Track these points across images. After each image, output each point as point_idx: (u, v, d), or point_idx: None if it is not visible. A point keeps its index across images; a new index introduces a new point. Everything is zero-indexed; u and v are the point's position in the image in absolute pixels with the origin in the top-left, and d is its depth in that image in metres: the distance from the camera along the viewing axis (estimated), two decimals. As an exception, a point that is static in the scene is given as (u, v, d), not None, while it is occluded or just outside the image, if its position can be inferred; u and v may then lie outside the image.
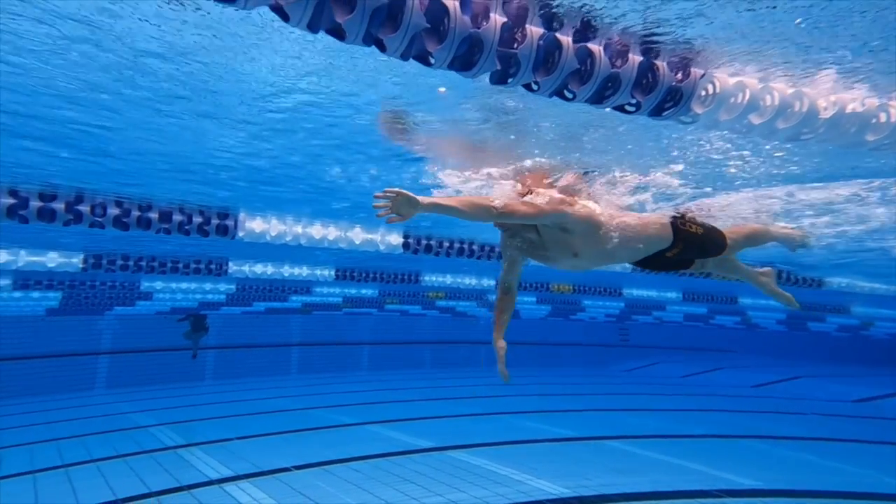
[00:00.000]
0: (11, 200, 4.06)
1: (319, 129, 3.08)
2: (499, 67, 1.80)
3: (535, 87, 1.98)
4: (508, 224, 2.65)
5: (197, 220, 4.93)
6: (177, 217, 4.83)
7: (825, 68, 2.14)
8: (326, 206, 5.00)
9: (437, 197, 2.31)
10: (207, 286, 11.03)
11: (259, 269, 8.52)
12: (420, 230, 6.07)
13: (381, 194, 2.12)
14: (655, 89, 2.05)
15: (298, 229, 5.54)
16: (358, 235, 5.79)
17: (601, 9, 1.81)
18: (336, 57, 2.22)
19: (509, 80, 1.89)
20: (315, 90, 2.58)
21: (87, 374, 16.21)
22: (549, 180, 3.24)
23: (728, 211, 3.83)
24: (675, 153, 3.04)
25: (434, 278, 10.13)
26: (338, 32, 1.57)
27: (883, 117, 2.32)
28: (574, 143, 2.99)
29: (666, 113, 2.17)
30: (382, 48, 1.67)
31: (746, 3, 1.76)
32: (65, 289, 9.52)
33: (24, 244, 6.61)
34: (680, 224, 2.91)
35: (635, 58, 2.01)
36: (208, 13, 1.94)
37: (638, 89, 2.05)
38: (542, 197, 2.66)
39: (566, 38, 1.87)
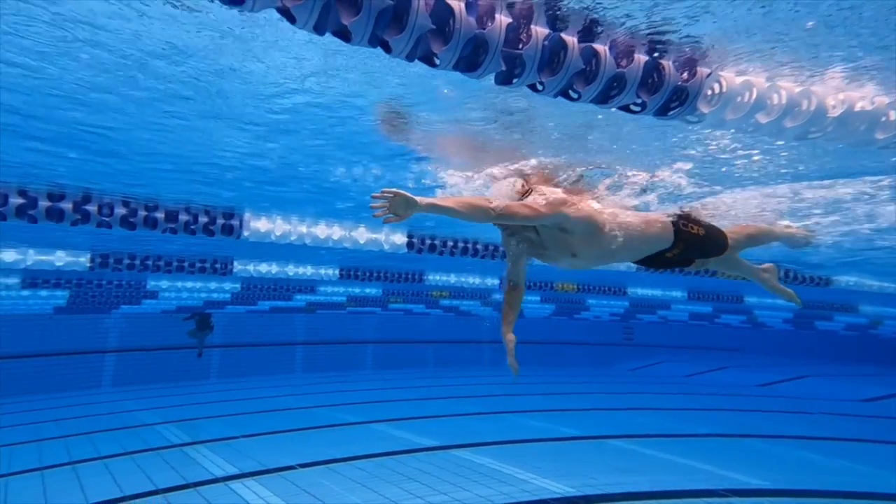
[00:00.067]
0: (21, 200, 4.10)
1: (324, 129, 3.09)
2: (504, 68, 1.80)
3: (539, 87, 1.98)
4: (507, 224, 2.66)
5: (203, 219, 4.96)
6: (183, 217, 4.86)
7: (834, 66, 2.12)
8: (331, 206, 5.01)
9: (434, 198, 2.30)
10: (213, 285, 11.09)
11: (264, 268, 8.56)
12: (424, 229, 6.08)
13: (378, 195, 2.12)
14: (661, 89, 2.05)
15: (303, 229, 5.56)
16: (362, 235, 5.81)
17: (607, 8, 1.81)
18: (340, 57, 2.23)
19: (514, 81, 1.89)
20: (319, 90, 2.59)
21: (94, 372, 16.36)
22: (556, 180, 3.24)
23: (733, 210, 3.82)
24: (681, 152, 3.02)
25: (438, 277, 10.14)
26: (344, 34, 1.58)
27: (893, 115, 2.30)
28: (579, 143, 2.99)
29: (672, 113, 2.17)
30: (388, 49, 1.67)
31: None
32: (72, 287, 9.60)
33: (33, 243, 6.67)
34: (682, 225, 2.90)
35: (641, 57, 2.00)
36: (213, 15, 1.95)
37: (643, 89, 2.04)
38: (542, 197, 2.65)
39: (571, 39, 1.87)
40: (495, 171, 3.22)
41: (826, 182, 3.48)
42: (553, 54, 1.85)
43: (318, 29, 1.54)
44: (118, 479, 6.39)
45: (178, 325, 15.50)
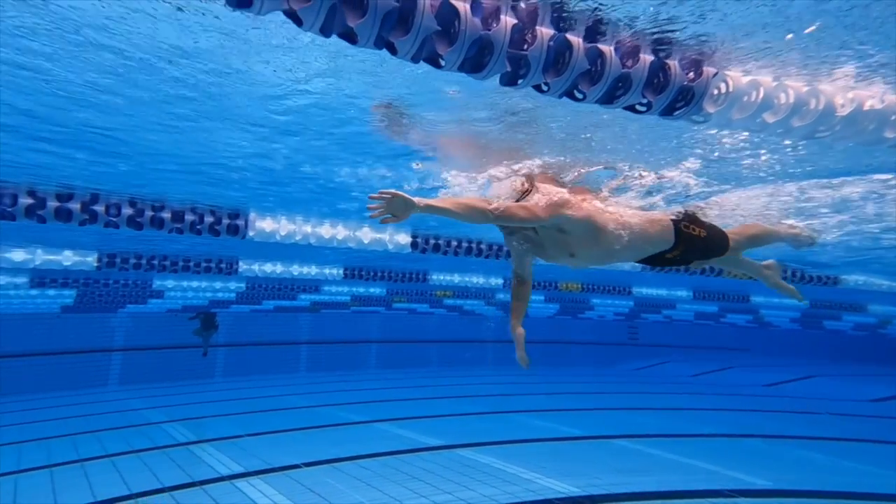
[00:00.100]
0: (30, 200, 4.15)
1: (328, 129, 3.10)
2: (509, 69, 1.81)
3: (545, 87, 1.98)
4: (506, 225, 2.66)
5: (208, 219, 4.99)
6: (189, 217, 4.89)
7: (843, 65, 2.11)
8: (335, 206, 5.03)
9: (432, 199, 2.31)
10: (218, 285, 11.15)
11: (268, 267, 8.60)
12: (428, 229, 6.09)
13: (376, 195, 2.13)
14: (667, 89, 2.04)
15: (308, 229, 5.58)
16: (366, 235, 5.82)
17: (612, 8, 1.81)
18: (345, 59, 2.24)
19: (519, 82, 1.89)
20: (324, 91, 2.60)
21: (101, 371, 16.51)
22: (561, 179, 3.24)
23: (739, 209, 3.80)
24: (688, 151, 3.01)
25: (442, 277, 10.14)
26: (350, 36, 1.59)
27: (902, 114, 2.28)
28: (583, 143, 2.98)
29: (677, 112, 2.16)
30: (393, 51, 1.68)
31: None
32: (79, 287, 9.68)
33: (42, 243, 6.74)
34: (683, 226, 2.88)
35: (646, 57, 2.00)
36: (219, 17, 1.96)
37: (649, 89, 2.04)
38: (543, 196, 2.64)
39: (577, 39, 1.87)
40: (500, 171, 3.22)
41: (834, 181, 3.46)
42: (558, 55, 1.85)
43: (325, 31, 1.55)
44: (125, 476, 6.45)
45: (184, 324, 15.61)
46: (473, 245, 6.47)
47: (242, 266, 8.33)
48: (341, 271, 9.15)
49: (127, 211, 4.58)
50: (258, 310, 16.50)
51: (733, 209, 3.81)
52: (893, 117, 2.28)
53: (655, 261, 2.98)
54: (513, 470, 6.52)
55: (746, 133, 2.67)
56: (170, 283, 10.58)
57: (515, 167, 3.19)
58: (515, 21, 1.76)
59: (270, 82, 2.52)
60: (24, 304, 11.64)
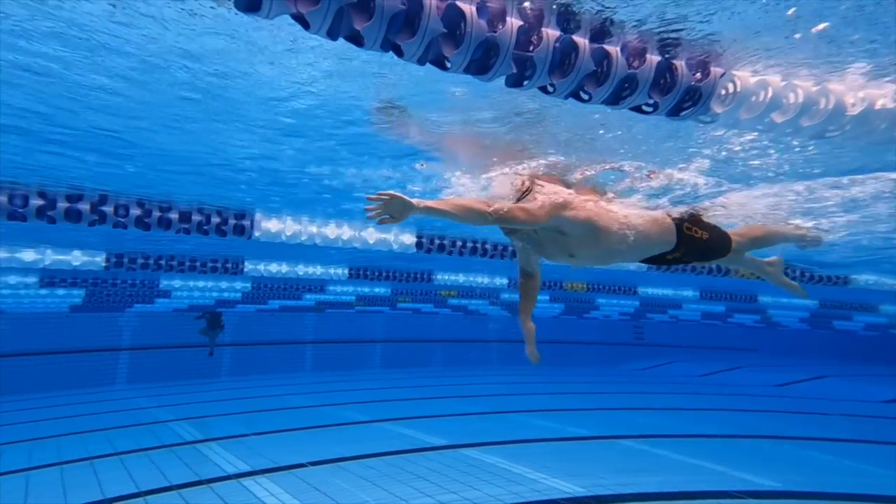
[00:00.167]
0: (41, 201, 4.20)
1: (334, 130, 3.11)
2: (515, 71, 1.80)
3: (551, 89, 1.98)
4: (505, 226, 2.66)
5: (215, 220, 5.03)
6: (196, 217, 4.93)
7: (854, 63, 2.08)
8: (340, 206, 5.05)
9: (431, 201, 2.31)
10: (224, 284, 11.23)
11: (274, 267, 8.65)
12: (433, 230, 6.10)
13: (374, 196, 2.14)
14: (673, 89, 2.03)
15: (313, 229, 5.60)
16: (372, 235, 5.84)
17: (619, 8, 1.80)
18: (351, 60, 2.25)
19: (525, 83, 1.89)
20: (330, 92, 2.61)
21: (109, 370, 16.67)
22: (565, 179, 3.23)
23: (745, 209, 3.77)
24: (695, 151, 2.99)
25: (446, 277, 10.15)
26: (356, 39, 1.59)
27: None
28: (589, 143, 2.97)
29: (684, 113, 2.15)
30: (400, 53, 1.68)
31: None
32: (88, 286, 9.79)
33: (51, 243, 6.82)
34: (685, 228, 2.87)
35: (653, 58, 1.99)
36: (226, 20, 1.98)
37: (656, 89, 2.03)
38: (542, 195, 2.62)
39: (583, 40, 1.86)
40: (505, 171, 3.22)
41: (844, 180, 3.42)
42: (564, 56, 1.84)
43: (332, 34, 1.56)
44: (133, 474, 6.51)
45: (190, 323, 15.73)
46: (478, 245, 6.47)
47: (248, 266, 8.38)
48: (346, 271, 9.18)
49: (135, 211, 4.62)
50: (263, 309, 16.60)
51: (740, 209, 3.78)
52: (905, 116, 2.25)
53: (655, 260, 2.98)
54: (518, 470, 6.51)
55: (755, 133, 2.65)
56: (177, 282, 10.67)
57: (520, 168, 3.18)
58: (521, 23, 1.76)
59: (275, 84, 2.53)
60: (33, 303, 11.79)
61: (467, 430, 9.09)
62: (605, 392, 14.94)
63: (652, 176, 3.24)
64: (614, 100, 2.04)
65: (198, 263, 7.91)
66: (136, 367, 16.91)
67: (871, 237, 4.92)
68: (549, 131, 2.87)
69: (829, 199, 3.74)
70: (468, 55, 1.71)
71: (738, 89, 2.12)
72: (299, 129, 3.12)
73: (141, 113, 2.90)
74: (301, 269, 8.92)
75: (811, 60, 2.08)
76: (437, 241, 6.19)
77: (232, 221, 5.11)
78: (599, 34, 1.89)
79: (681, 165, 3.18)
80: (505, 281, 10.76)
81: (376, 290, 12.74)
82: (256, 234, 5.29)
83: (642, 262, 3.05)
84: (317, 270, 9.05)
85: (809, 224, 4.04)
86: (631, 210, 2.95)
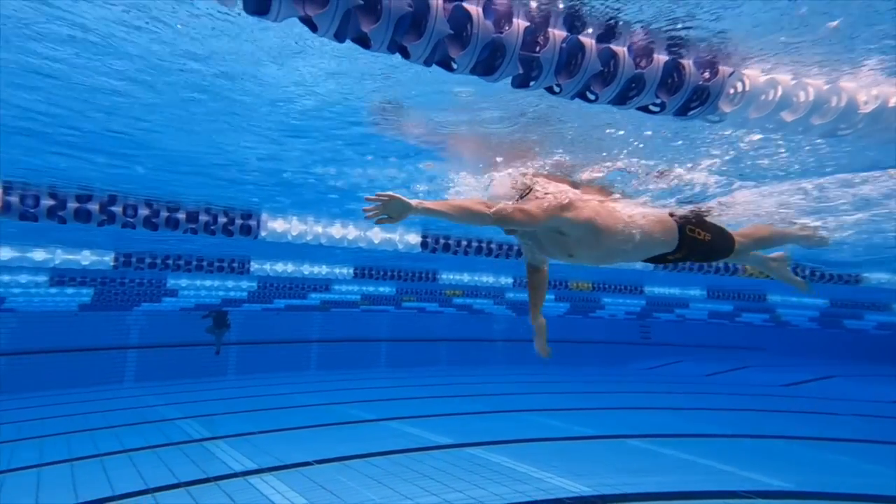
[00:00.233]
0: (51, 202, 4.26)
1: (338, 130, 3.12)
2: (521, 71, 1.80)
3: (557, 89, 1.97)
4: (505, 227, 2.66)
5: (222, 220, 5.07)
6: (203, 217, 4.97)
7: (867, 60, 2.05)
8: (345, 206, 5.06)
9: (429, 201, 2.31)
10: (230, 284, 11.31)
11: (280, 267, 8.70)
12: (438, 229, 6.11)
13: (373, 197, 2.14)
14: (681, 89, 2.02)
15: (318, 229, 5.63)
16: (377, 235, 5.85)
17: (626, 8, 1.79)
18: (355, 60, 2.25)
19: (531, 84, 1.88)
20: (333, 92, 2.61)
21: (117, 368, 16.85)
22: (570, 179, 3.22)
23: (753, 207, 3.74)
24: (703, 150, 2.97)
25: (452, 276, 10.15)
26: (363, 41, 1.60)
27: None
28: (596, 143, 2.96)
29: (692, 112, 2.13)
30: (406, 55, 1.68)
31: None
32: (97, 285, 9.90)
33: (61, 243, 6.90)
34: (688, 230, 2.85)
35: (660, 57, 1.98)
36: (233, 22, 1.99)
37: (663, 89, 2.02)
38: (540, 200, 2.60)
39: (589, 41, 1.85)
40: (510, 171, 3.21)
41: (856, 178, 3.38)
42: (571, 56, 1.84)
43: (339, 36, 1.57)
44: (142, 471, 6.59)
45: (197, 322, 15.85)
46: (483, 245, 6.47)
47: (254, 266, 8.43)
48: (352, 271, 9.21)
49: (143, 212, 4.67)
50: (269, 308, 16.69)
51: (747, 208, 3.75)
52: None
53: (656, 260, 2.97)
54: (523, 469, 6.51)
55: (765, 132, 2.62)
56: (184, 282, 10.76)
57: (526, 167, 3.17)
58: (528, 23, 1.75)
59: (282, 85, 2.54)
60: (43, 302, 11.94)
61: (473, 429, 9.09)
62: (611, 391, 14.89)
63: (660, 176, 3.22)
64: (621, 100, 2.03)
65: (204, 263, 7.97)
66: (143, 365, 17.08)
67: (884, 236, 4.86)
68: (556, 131, 2.86)
69: (840, 198, 3.70)
70: (474, 56, 1.71)
71: (747, 88, 2.10)
72: (305, 130, 3.14)
73: (149, 114, 2.93)
74: (307, 269, 8.96)
75: (823, 58, 2.05)
76: (442, 241, 6.20)
77: (238, 221, 5.15)
78: (606, 34, 1.88)
79: (689, 165, 3.16)
80: (510, 280, 10.74)
81: (381, 289, 12.78)
82: (263, 233, 5.32)
83: (643, 261, 3.04)
84: (322, 270, 9.09)
85: (817, 223, 4.00)
86: (635, 210, 2.93)
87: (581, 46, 1.84)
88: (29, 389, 13.99)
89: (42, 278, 9.06)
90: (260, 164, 3.86)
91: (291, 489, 5.83)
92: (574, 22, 1.83)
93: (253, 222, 5.23)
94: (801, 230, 3.66)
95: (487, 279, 10.60)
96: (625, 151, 3.03)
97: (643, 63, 1.94)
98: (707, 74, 2.04)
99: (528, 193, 2.81)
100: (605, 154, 3.04)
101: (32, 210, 4.22)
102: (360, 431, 9.12)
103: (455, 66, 1.76)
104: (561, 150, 3.03)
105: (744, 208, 3.77)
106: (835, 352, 19.89)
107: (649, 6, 1.78)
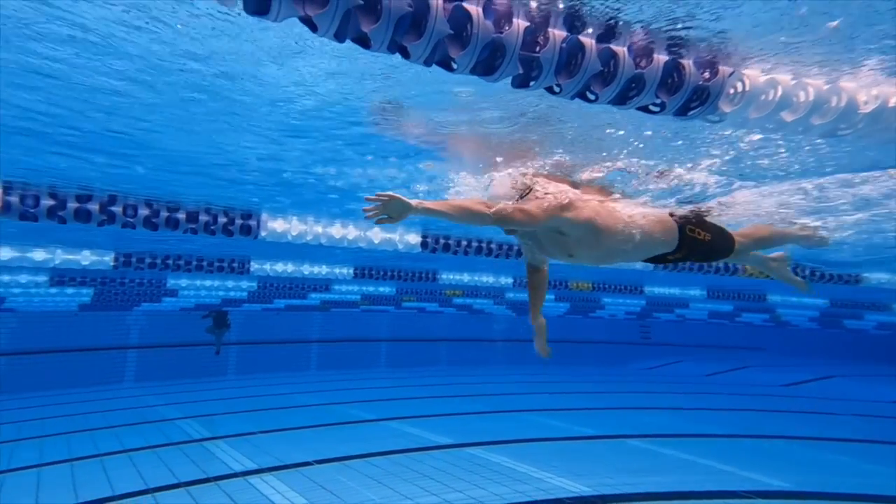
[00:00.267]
0: (51, 202, 4.26)
1: (337, 130, 3.12)
2: (521, 71, 1.80)
3: (557, 89, 1.97)
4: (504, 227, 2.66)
5: (222, 220, 5.07)
6: (203, 217, 4.97)
7: (868, 59, 2.05)
8: (346, 206, 5.07)
9: (429, 202, 2.32)
10: (230, 284, 11.31)
11: (280, 267, 8.70)
12: (438, 229, 6.11)
13: (373, 197, 2.15)
14: (681, 89, 2.02)
15: (319, 229, 5.63)
16: (377, 235, 5.85)
17: (626, 7, 1.79)
18: (354, 60, 2.25)
19: (531, 84, 1.88)
20: (333, 92, 2.61)
21: (117, 368, 16.86)
22: (571, 179, 3.22)
23: (752, 207, 3.74)
24: (704, 150, 2.97)
25: (452, 276, 10.16)
26: (363, 41, 1.60)
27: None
28: (596, 143, 2.96)
29: (692, 112, 2.13)
30: (406, 55, 1.68)
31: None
32: (96, 285, 9.91)
33: (61, 243, 6.90)
34: (688, 230, 2.85)
35: (660, 57, 1.98)
36: (232, 22, 1.99)
37: (663, 89, 2.02)
38: (540, 200, 2.60)
39: (589, 41, 1.85)
40: (510, 171, 3.21)
41: (856, 178, 3.38)
42: (570, 56, 1.84)
43: (339, 36, 1.57)
44: (142, 471, 6.59)
45: (197, 322, 15.86)
46: (483, 245, 6.47)
47: (254, 266, 8.43)
48: (351, 271, 9.21)
49: (143, 212, 4.67)
50: (269, 308, 16.69)
51: (747, 208, 3.75)
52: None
53: (656, 260, 2.98)
54: (523, 469, 6.51)
55: (766, 132, 2.62)
56: (183, 282, 10.76)
57: (526, 167, 3.17)
58: (528, 23, 1.75)
59: (281, 85, 2.54)
60: (43, 302, 11.94)
61: (473, 429, 9.09)
62: (611, 391, 14.89)
63: (660, 176, 3.23)
64: (621, 100, 2.03)
65: (205, 263, 7.97)
66: (143, 365, 17.08)
67: (884, 236, 4.86)
68: (555, 131, 2.86)
69: (840, 198, 3.70)
70: (474, 56, 1.71)
71: (747, 88, 2.10)
72: (305, 130, 3.14)
73: (149, 114, 2.93)
74: (306, 269, 8.96)
75: (823, 58, 2.06)
76: (442, 241, 6.20)
77: (238, 221, 5.15)
78: (606, 34, 1.88)
79: (689, 165, 3.16)
80: (510, 280, 10.74)
81: (381, 289, 12.78)
82: (263, 233, 5.32)
83: (643, 261, 3.04)
84: (322, 270, 9.09)
85: (816, 224, 4.00)
86: (636, 209, 2.93)
87: (581, 46, 1.84)
88: (29, 389, 13.99)
89: (42, 278, 9.06)
90: (260, 164, 3.86)
91: (291, 489, 5.83)
92: (574, 22, 1.83)
93: (253, 222, 5.23)
94: (801, 230, 3.67)
95: (487, 279, 10.60)
96: (625, 151, 3.03)
97: (643, 63, 1.94)
98: (707, 74, 2.04)
99: (528, 193, 2.81)
100: (605, 154, 3.04)
101: (32, 210, 4.22)
102: (360, 431, 9.12)
103: (455, 66, 1.76)
104: (561, 150, 3.03)
105: (744, 208, 3.77)
106: (835, 352, 19.89)
107: (649, 6, 1.78)
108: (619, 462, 6.96)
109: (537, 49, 1.78)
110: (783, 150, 2.93)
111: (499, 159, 3.18)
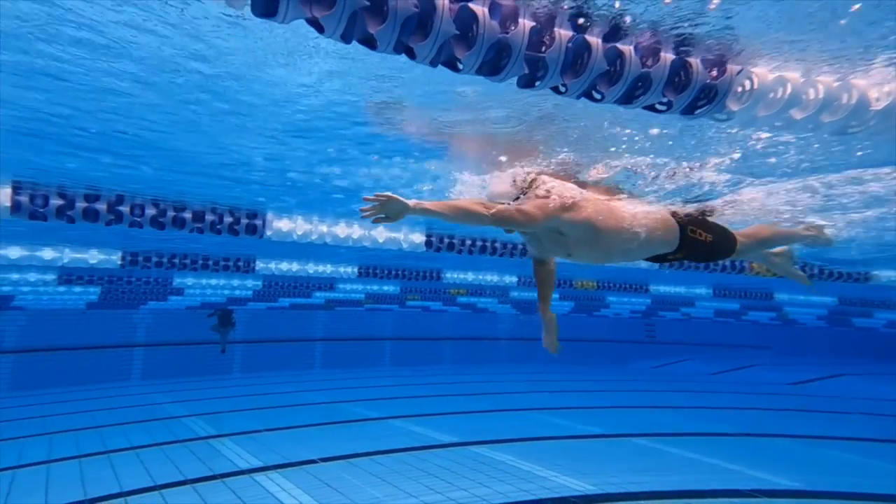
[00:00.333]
0: (60, 201, 4.30)
1: (342, 130, 3.12)
2: (527, 71, 1.80)
3: (563, 89, 1.97)
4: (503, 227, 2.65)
5: (228, 219, 5.09)
6: (209, 217, 4.99)
7: (881, 55, 2.01)
8: (351, 206, 5.08)
9: (427, 202, 2.32)
10: (235, 282, 11.37)
11: (284, 266, 8.73)
12: (443, 229, 6.11)
13: (371, 197, 2.15)
14: (688, 88, 2.01)
15: (323, 228, 5.64)
16: (381, 234, 5.87)
17: (633, 6, 1.78)
18: (359, 60, 2.25)
19: (537, 84, 1.88)
20: (337, 92, 2.62)
21: (124, 366, 17.01)
22: (581, 178, 3.21)
23: (757, 204, 3.71)
24: (711, 148, 2.95)
25: (456, 275, 10.16)
26: (370, 42, 1.60)
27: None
28: (601, 142, 2.95)
29: (699, 111, 2.12)
30: (412, 56, 1.68)
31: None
32: (104, 284, 9.99)
33: (69, 242, 6.96)
34: (689, 231, 2.83)
35: (667, 56, 1.96)
36: (237, 24, 2.00)
37: (670, 88, 2.00)
38: (540, 200, 2.58)
39: (595, 40, 1.85)
40: (514, 170, 3.20)
41: (865, 175, 3.35)
42: (577, 56, 1.83)
43: (345, 37, 1.57)
44: (149, 468, 6.65)
45: (202, 320, 15.97)
46: (488, 244, 6.47)
47: (259, 264, 8.47)
48: (356, 270, 9.24)
49: (150, 211, 4.70)
50: (274, 307, 16.77)
51: (753, 206, 3.72)
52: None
53: (655, 259, 2.97)
54: (528, 467, 6.52)
55: (774, 130, 2.60)
56: (189, 280, 10.83)
57: (530, 167, 3.17)
58: (534, 23, 1.75)
59: (287, 85, 2.55)
60: (52, 300, 12.06)
61: (477, 428, 9.11)
62: (616, 390, 14.86)
63: (667, 175, 3.21)
64: (627, 99, 2.02)
65: (210, 262, 8.02)
66: (150, 363, 17.23)
67: (894, 234, 4.80)
68: (561, 130, 2.85)
69: (849, 195, 3.67)
70: (480, 56, 1.71)
71: (756, 86, 2.09)
72: (311, 130, 3.15)
73: (156, 115, 2.95)
74: (311, 268, 8.99)
75: (834, 54, 2.03)
76: (446, 240, 6.20)
77: (244, 221, 5.17)
78: (613, 33, 1.87)
79: (696, 163, 3.14)
80: (514, 279, 10.73)
81: (385, 288, 12.80)
82: (268, 233, 5.34)
83: (646, 259, 3.03)
84: (327, 269, 9.12)
85: (822, 223, 3.96)
86: (638, 209, 2.92)
87: (587, 46, 1.83)
88: (38, 386, 14.15)
89: (51, 277, 9.15)
90: (266, 164, 3.88)
91: (297, 487, 5.87)
92: (580, 21, 1.82)
93: (258, 222, 5.25)
94: (805, 230, 3.64)
95: (492, 278, 10.59)
96: (631, 150, 3.02)
97: (650, 62, 1.93)
98: (715, 72, 2.03)
99: (528, 192, 2.80)
100: (611, 151, 3.03)
101: (42, 210, 4.26)
102: (364, 430, 9.16)
103: (461, 66, 1.76)
104: (566, 149, 3.02)
105: (751, 206, 3.74)
106: (843, 350, 19.72)
107: (656, 4, 1.77)
108: (624, 461, 6.95)
109: (543, 49, 1.78)
110: (792, 148, 2.90)
111: (503, 158, 3.18)
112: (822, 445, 8.32)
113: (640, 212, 2.85)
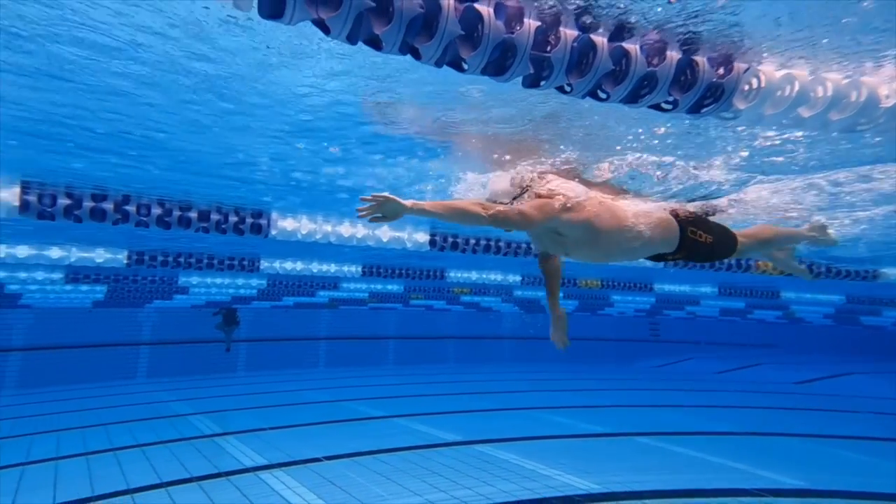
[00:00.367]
0: (68, 201, 4.34)
1: (346, 129, 3.13)
2: (532, 71, 1.79)
3: (568, 88, 1.96)
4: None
5: (233, 219, 5.12)
6: (214, 216, 5.02)
7: (891, 51, 1.99)
8: (355, 205, 5.07)
9: (425, 202, 2.32)
10: (240, 281, 11.43)
11: (289, 265, 8.77)
12: (447, 228, 6.12)
13: (368, 197, 2.15)
14: (694, 86, 1.99)
15: (328, 228, 5.66)
16: (385, 234, 5.88)
17: (638, 5, 1.77)
18: (363, 60, 2.26)
19: (542, 84, 1.87)
20: (341, 92, 2.62)
21: (130, 364, 17.14)
22: (585, 177, 3.20)
23: (764, 205, 3.69)
24: (718, 147, 2.94)
25: (459, 274, 10.17)
26: (375, 43, 1.60)
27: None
28: (605, 141, 2.94)
29: (705, 110, 2.11)
30: (417, 56, 1.68)
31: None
32: (110, 283, 10.06)
33: (76, 241, 7.02)
34: (689, 231, 2.82)
35: (673, 55, 1.95)
36: (243, 26, 2.00)
37: (675, 87, 1.99)
38: (539, 200, 2.58)
39: (601, 39, 1.84)
40: (517, 169, 3.20)
41: (873, 172, 3.32)
42: (582, 56, 1.83)
43: (351, 39, 1.57)
44: (155, 465, 6.71)
45: (207, 319, 16.06)
46: (492, 243, 6.47)
47: (264, 263, 8.51)
48: (360, 269, 9.26)
49: (156, 211, 4.73)
50: (278, 306, 16.83)
51: (759, 204, 3.70)
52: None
53: (655, 258, 2.97)
54: (532, 466, 6.52)
55: (781, 128, 2.58)
56: (194, 279, 10.89)
57: (534, 167, 3.16)
58: (539, 23, 1.74)
59: (292, 85, 2.56)
60: (59, 298, 12.15)
61: (481, 427, 9.11)
62: (621, 389, 14.82)
63: (673, 174, 3.19)
64: (633, 98, 2.01)
65: (215, 261, 8.06)
66: (155, 361, 17.34)
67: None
68: (565, 129, 2.84)
69: (856, 193, 3.64)
70: (485, 57, 1.71)
71: (763, 84, 2.07)
72: (315, 130, 3.15)
73: (162, 116, 2.96)
74: (315, 267, 9.02)
75: (842, 51, 2.01)
76: (450, 239, 6.21)
77: (249, 220, 5.20)
78: (618, 32, 1.87)
79: (702, 162, 3.12)
80: (518, 278, 10.72)
81: (389, 287, 12.82)
82: (273, 232, 5.37)
83: (646, 258, 3.03)
84: (331, 268, 9.15)
85: (825, 222, 3.93)
86: (637, 208, 2.91)
87: (592, 45, 1.82)
88: (45, 384, 14.28)
89: (58, 275, 9.23)
90: (270, 164, 3.89)
91: (301, 485, 5.89)
92: (586, 20, 1.81)
93: (263, 221, 5.27)
94: (808, 230, 3.61)
95: (495, 277, 10.59)
96: (636, 149, 3.01)
97: (655, 61, 1.92)
98: (721, 71, 2.02)
99: (527, 190, 2.79)
100: (616, 150, 3.02)
101: (50, 209, 4.30)
102: (368, 428, 9.19)
103: (466, 66, 1.76)
104: (571, 148, 3.01)
105: (756, 205, 3.72)
106: (850, 348, 19.58)
107: (661, 3, 1.76)
108: (629, 459, 6.94)
109: (548, 49, 1.77)
110: (800, 146, 2.88)
111: (507, 157, 3.17)
112: (828, 444, 8.27)
113: (642, 212, 2.85)
